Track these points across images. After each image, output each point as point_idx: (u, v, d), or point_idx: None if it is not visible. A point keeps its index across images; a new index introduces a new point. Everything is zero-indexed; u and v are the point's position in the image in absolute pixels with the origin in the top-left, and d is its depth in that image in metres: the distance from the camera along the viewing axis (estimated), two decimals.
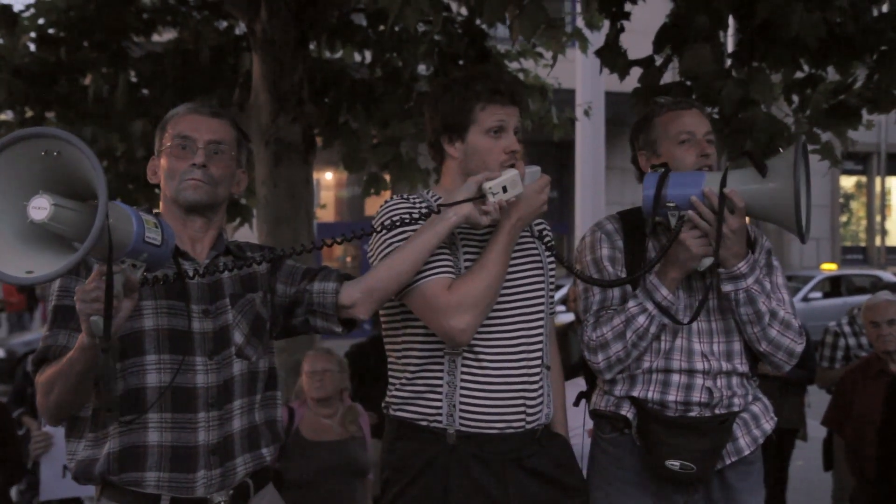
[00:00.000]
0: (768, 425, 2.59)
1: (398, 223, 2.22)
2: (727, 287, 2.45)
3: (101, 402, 1.80)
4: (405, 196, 2.37)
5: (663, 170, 2.44)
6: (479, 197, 2.20)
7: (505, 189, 2.20)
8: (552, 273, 2.49)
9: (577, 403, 2.71)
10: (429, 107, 2.40)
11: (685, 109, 2.58)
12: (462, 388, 2.29)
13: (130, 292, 1.84)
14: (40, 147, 1.69)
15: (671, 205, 2.39)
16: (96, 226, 1.61)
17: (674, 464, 2.44)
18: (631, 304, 2.47)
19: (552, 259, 2.49)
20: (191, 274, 2.09)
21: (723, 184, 2.34)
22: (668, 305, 2.44)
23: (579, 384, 2.82)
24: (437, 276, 2.24)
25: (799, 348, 2.53)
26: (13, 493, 4.50)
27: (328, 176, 18.35)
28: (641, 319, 2.44)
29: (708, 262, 2.43)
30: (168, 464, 2.07)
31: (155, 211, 2.20)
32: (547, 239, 2.46)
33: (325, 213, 17.24)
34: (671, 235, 2.41)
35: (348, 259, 18.22)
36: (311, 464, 4.05)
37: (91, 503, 3.42)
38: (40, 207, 1.68)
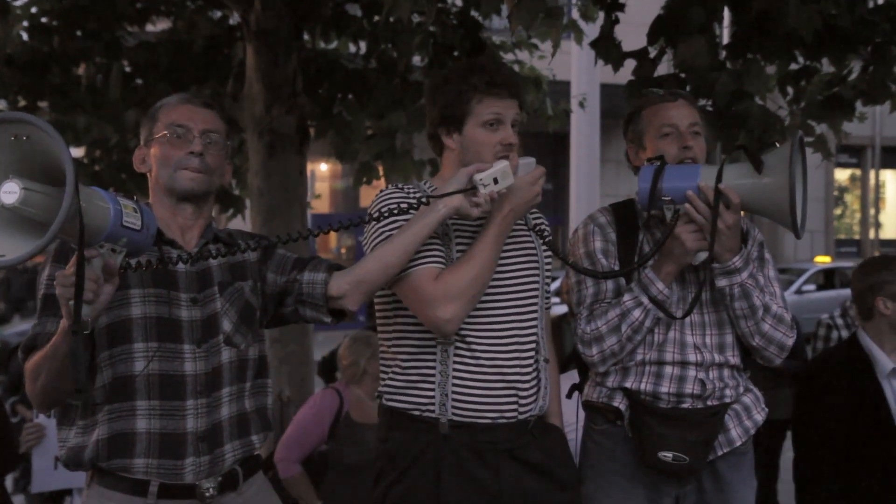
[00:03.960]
0: (759, 416, 2.60)
1: (389, 213, 2.22)
2: (721, 282, 2.45)
3: (73, 384, 1.81)
4: (399, 185, 2.38)
5: (659, 163, 2.43)
6: (470, 188, 2.20)
7: (496, 180, 2.20)
8: (548, 266, 2.49)
9: (569, 395, 2.71)
10: (427, 98, 2.41)
11: (670, 102, 2.58)
12: (454, 377, 2.29)
13: (110, 277, 1.84)
14: (9, 132, 1.69)
15: (667, 198, 2.39)
16: (63, 207, 1.61)
17: (666, 455, 2.45)
18: (626, 297, 2.47)
19: (548, 253, 2.48)
20: (176, 260, 2.09)
21: (718, 178, 2.34)
22: (662, 299, 2.45)
23: (573, 376, 2.82)
24: (424, 266, 2.25)
25: (790, 342, 2.54)
26: (8, 481, 4.50)
27: (323, 167, 18.34)
28: (637, 313, 2.45)
29: (702, 256, 2.43)
30: (157, 450, 2.09)
31: (146, 202, 2.19)
32: (546, 234, 2.46)
33: (320, 205, 17.23)
34: (666, 229, 2.41)
35: (342, 250, 18.22)
36: (363, 447, 4.00)
37: (82, 495, 3.43)
38: (10, 192, 1.69)
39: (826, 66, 4.61)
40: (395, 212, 2.22)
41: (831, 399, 3.11)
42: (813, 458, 3.17)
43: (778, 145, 2.37)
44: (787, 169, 2.24)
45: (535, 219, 2.51)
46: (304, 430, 4.12)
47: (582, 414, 2.71)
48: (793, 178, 2.24)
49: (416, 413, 2.31)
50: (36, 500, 4.70)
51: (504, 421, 2.31)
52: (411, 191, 2.35)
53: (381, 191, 2.38)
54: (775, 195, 2.29)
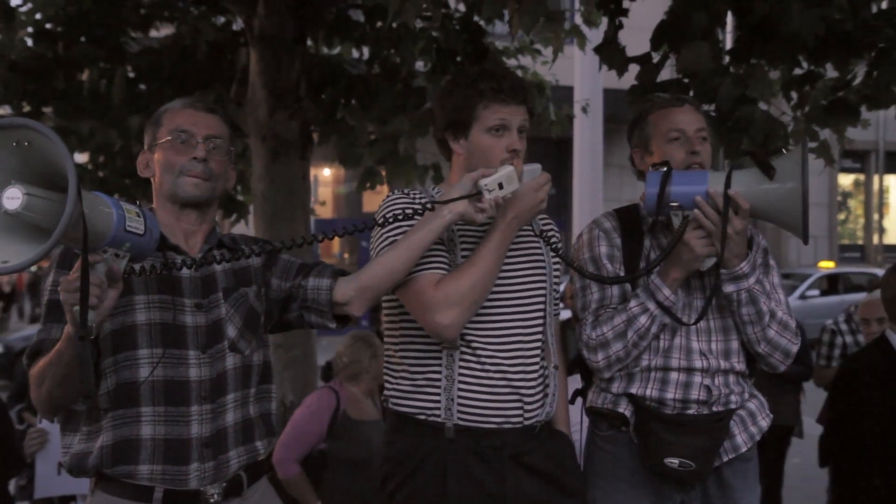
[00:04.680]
0: (764, 422, 2.60)
1: (395, 219, 2.22)
2: (729, 288, 2.44)
3: (79, 390, 1.81)
4: (405, 191, 2.37)
5: (665, 168, 2.42)
6: (475, 194, 2.19)
7: (501, 186, 2.19)
8: (556, 272, 2.49)
9: (572, 401, 2.71)
10: (435, 103, 2.42)
11: (677, 107, 2.57)
12: (460, 382, 2.29)
13: (114, 282, 1.84)
14: (12, 138, 1.69)
15: (674, 204, 2.37)
16: (66, 212, 1.61)
17: (673, 461, 2.44)
18: (633, 303, 2.46)
19: (556, 259, 2.48)
20: (180, 266, 2.09)
21: (727, 184, 2.33)
22: (669, 305, 2.44)
23: (576, 381, 2.82)
24: (426, 272, 2.25)
25: (795, 348, 2.54)
26: (12, 487, 4.50)
27: (326, 172, 18.35)
28: (643, 319, 2.44)
29: (710, 262, 2.43)
30: (161, 456, 2.08)
31: (149, 207, 2.19)
32: (553, 240, 2.46)
33: (323, 210, 17.24)
34: (675, 235, 2.39)
35: (345, 255, 18.22)
36: (361, 443, 4.11)
37: (85, 501, 3.42)
38: (13, 197, 1.68)
39: (830, 72, 4.60)
40: (401, 217, 2.22)
41: (865, 399, 3.17)
42: (850, 455, 3.23)
43: (785, 151, 2.37)
44: (801, 176, 2.23)
45: (544, 224, 2.50)
46: (302, 430, 4.14)
47: (586, 419, 2.70)
48: (806, 185, 2.23)
49: (422, 417, 2.31)
50: None
51: (510, 426, 2.31)
52: (417, 196, 2.35)
53: (388, 196, 2.37)
54: (787, 201, 2.28)
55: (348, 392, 4.24)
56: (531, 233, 2.43)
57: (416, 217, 2.22)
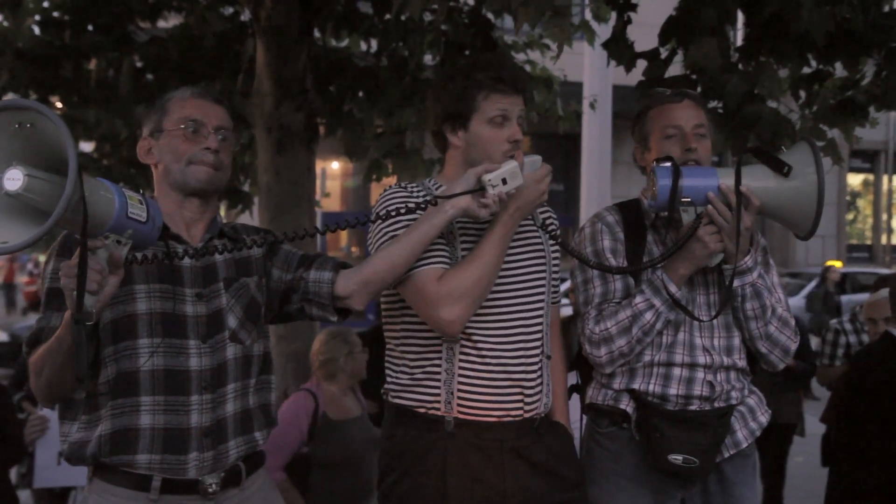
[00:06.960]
0: (763, 418, 2.60)
1: (397, 213, 2.21)
2: (734, 283, 2.43)
3: (74, 374, 1.80)
4: (403, 185, 2.36)
5: (671, 163, 2.39)
6: (479, 189, 2.18)
7: (505, 181, 2.18)
8: (556, 263, 2.48)
9: (568, 397, 2.70)
10: (432, 95, 2.39)
11: (675, 102, 2.55)
12: (460, 375, 2.29)
13: (115, 268, 1.83)
14: (14, 120, 1.69)
15: (686, 199, 2.36)
16: (65, 194, 1.60)
17: (676, 458, 2.43)
18: (638, 299, 2.45)
19: (556, 249, 2.47)
20: (182, 255, 2.08)
21: (738, 180, 2.32)
22: (680, 301, 2.43)
23: (571, 377, 2.80)
24: (428, 267, 2.23)
25: (794, 346, 2.55)
26: (13, 475, 4.51)
27: (334, 165, 18.36)
28: (648, 316, 2.43)
29: (718, 258, 2.42)
30: (160, 446, 2.08)
31: (151, 195, 2.19)
32: (551, 228, 2.44)
33: (331, 203, 17.26)
34: (687, 230, 2.38)
35: (353, 249, 18.24)
36: (343, 444, 4.06)
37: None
38: (14, 178, 1.68)
39: (839, 71, 4.58)
40: (403, 211, 2.21)
41: (873, 397, 3.20)
42: (852, 454, 3.27)
43: (785, 149, 2.36)
44: (816, 173, 2.23)
45: (542, 212, 2.49)
46: (282, 436, 4.06)
47: (584, 416, 2.69)
48: (822, 183, 2.22)
49: (422, 410, 2.31)
50: (42, 495, 4.69)
51: (510, 419, 2.30)
52: (415, 190, 2.34)
53: (385, 190, 2.36)
54: (801, 198, 2.28)
55: (326, 392, 4.16)
56: (531, 223, 2.42)
57: (417, 212, 2.21)
